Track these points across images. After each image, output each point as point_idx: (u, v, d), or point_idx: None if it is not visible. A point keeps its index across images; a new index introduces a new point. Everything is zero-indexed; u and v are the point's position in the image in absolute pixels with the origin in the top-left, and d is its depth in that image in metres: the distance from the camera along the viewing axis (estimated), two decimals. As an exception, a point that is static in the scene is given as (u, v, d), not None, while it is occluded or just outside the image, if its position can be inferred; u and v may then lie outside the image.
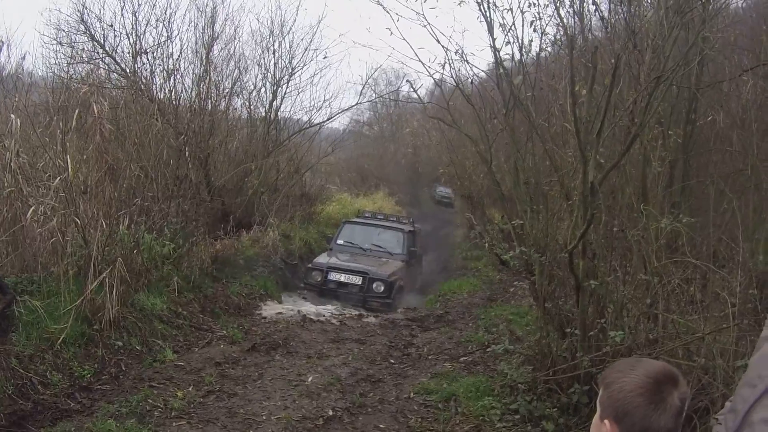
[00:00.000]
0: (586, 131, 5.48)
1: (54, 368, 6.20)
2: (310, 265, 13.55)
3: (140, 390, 6.28)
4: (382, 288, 12.68)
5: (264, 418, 6.06)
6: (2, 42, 9.38)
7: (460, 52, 7.66)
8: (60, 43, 11.97)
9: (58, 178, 7.14)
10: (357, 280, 12.80)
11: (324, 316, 10.91)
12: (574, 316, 5.92)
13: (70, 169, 7.08)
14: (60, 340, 6.44)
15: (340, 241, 14.91)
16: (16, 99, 8.20)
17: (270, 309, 10.90)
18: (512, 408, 6.09)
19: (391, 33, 7.70)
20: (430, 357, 8.59)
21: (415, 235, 15.97)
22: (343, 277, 12.90)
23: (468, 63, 7.78)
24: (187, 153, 11.43)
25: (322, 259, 13.84)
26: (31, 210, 6.93)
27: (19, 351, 6.03)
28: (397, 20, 7.42)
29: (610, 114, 5.39)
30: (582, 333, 5.59)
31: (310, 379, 7.20)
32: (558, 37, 7.50)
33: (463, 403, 6.50)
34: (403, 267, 14.03)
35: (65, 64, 11.45)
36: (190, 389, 6.52)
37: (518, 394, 6.28)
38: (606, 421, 1.81)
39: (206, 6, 13.61)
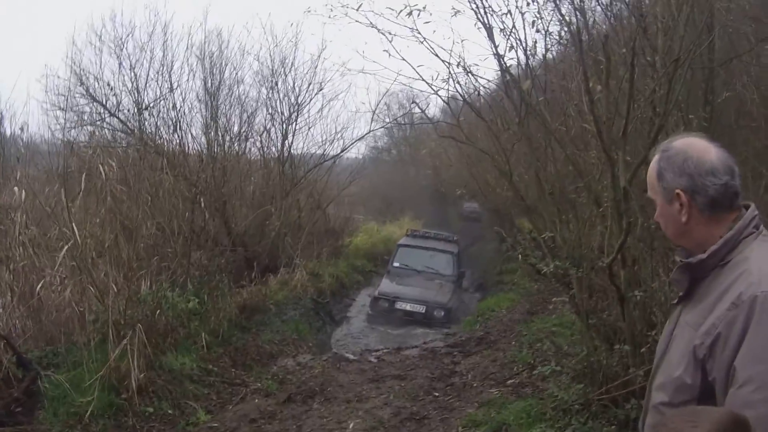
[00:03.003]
0: (608, 130, 5.12)
1: (83, 444, 5.93)
2: (377, 294, 14.86)
3: (173, 458, 5.98)
4: (443, 313, 14.37)
5: (306, 474, 5.73)
6: (1, 114, 9.26)
7: (462, 64, 7.33)
8: (61, 108, 11.89)
9: (66, 247, 6.92)
10: (420, 308, 14.43)
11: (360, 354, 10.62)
12: (620, 327, 5.51)
13: (77, 236, 6.87)
14: (88, 413, 6.17)
15: (396, 264, 16.54)
16: (18, 171, 8.01)
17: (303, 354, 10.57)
18: (567, 432, 5.68)
19: (390, 55, 7.42)
20: (475, 384, 8.19)
21: (461, 254, 17.54)
22: (408, 306, 14.47)
23: (472, 74, 7.43)
24: (202, 203, 11.23)
25: (387, 287, 15.20)
26: (41, 282, 6.73)
27: (46, 429, 5.80)
28: (392, 39, 7.13)
29: (633, 108, 5.01)
30: (632, 347, 5.19)
31: (351, 425, 6.84)
32: (563, 34, 7.17)
33: (514, 432, 6.10)
34: (454, 288, 15.72)
35: (68, 129, 11.34)
36: (226, 451, 6.20)
37: (572, 415, 5.87)
38: None
39: (204, 54, 13.50)
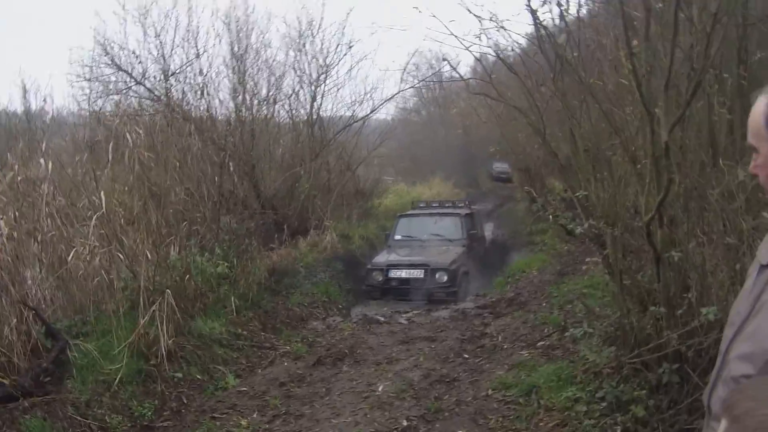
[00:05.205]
0: (647, 84, 4.93)
1: (112, 410, 5.96)
2: (369, 266, 12.93)
3: (202, 423, 6.00)
4: (446, 277, 12.06)
5: (334, 437, 5.72)
6: (25, 89, 9.29)
7: (494, 19, 7.14)
8: (86, 79, 11.90)
9: (95, 215, 6.92)
10: (419, 273, 12.17)
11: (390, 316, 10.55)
12: (654, 289, 5.37)
13: (104, 206, 6.87)
14: (117, 380, 6.21)
15: (397, 237, 14.40)
16: (44, 143, 7.98)
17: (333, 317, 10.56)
18: (598, 396, 5.59)
19: (420, 11, 7.27)
20: (505, 346, 8.11)
21: (474, 216, 15.43)
22: (404, 273, 12.32)
23: (504, 29, 7.24)
24: (231, 167, 11.19)
25: (381, 258, 13.29)
26: (72, 252, 6.75)
27: (75, 398, 5.82)
28: (422, -6, 6.97)
29: (676, 60, 4.80)
30: (667, 309, 5.05)
31: (380, 388, 6.81)
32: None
33: (545, 395, 6.01)
34: (464, 252, 13.41)
35: (94, 99, 11.35)
36: (255, 416, 6.21)
37: (603, 379, 5.77)
38: None
39: (230, 19, 13.40)
